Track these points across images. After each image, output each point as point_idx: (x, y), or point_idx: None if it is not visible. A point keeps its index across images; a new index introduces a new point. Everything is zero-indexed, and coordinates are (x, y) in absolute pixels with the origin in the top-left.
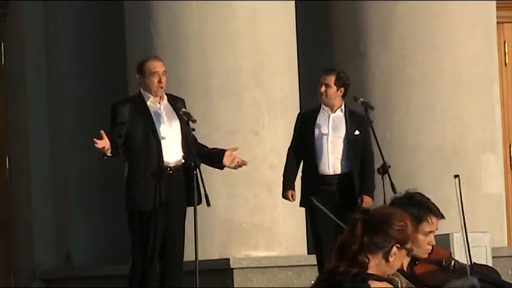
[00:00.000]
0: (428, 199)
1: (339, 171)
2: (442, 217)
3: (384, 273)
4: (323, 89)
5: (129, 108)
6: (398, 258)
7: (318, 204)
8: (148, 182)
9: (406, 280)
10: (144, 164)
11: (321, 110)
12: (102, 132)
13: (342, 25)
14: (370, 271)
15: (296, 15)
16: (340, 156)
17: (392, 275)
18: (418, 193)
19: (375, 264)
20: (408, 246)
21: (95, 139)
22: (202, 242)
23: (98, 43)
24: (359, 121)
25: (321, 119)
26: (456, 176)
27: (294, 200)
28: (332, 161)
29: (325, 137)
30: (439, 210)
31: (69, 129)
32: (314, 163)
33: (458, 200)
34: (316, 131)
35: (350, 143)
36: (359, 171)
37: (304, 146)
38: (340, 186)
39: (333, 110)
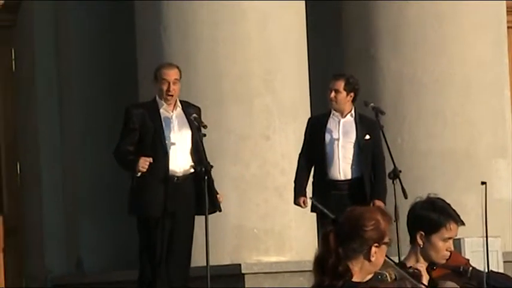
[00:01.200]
0: (449, 205)
1: (349, 176)
2: (462, 223)
3: (370, 272)
4: (332, 94)
5: (141, 113)
6: (381, 255)
7: (318, 204)
8: (153, 189)
9: (398, 269)
10: (151, 171)
11: (331, 115)
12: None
13: (353, 29)
14: (355, 276)
15: (306, 20)
16: (350, 161)
17: (380, 269)
18: (439, 198)
19: (358, 269)
20: (386, 240)
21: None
22: (214, 248)
23: (108, 48)
24: (369, 125)
25: (331, 124)
26: (483, 183)
27: (305, 206)
28: (343, 166)
29: (335, 142)
30: (459, 216)
31: (80, 134)
32: (324, 168)
33: (482, 207)
34: (327, 136)
35: (360, 147)
36: (370, 175)
37: (314, 151)
38: (350, 192)
39: (343, 115)
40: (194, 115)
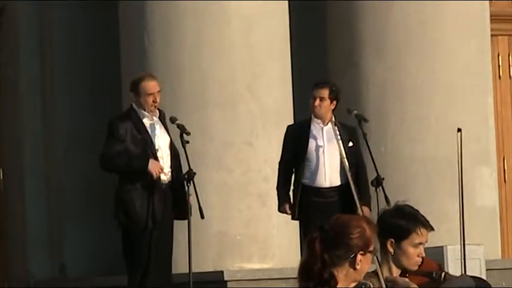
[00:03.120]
0: (417, 211)
1: (335, 184)
2: (432, 229)
3: (354, 280)
4: (317, 102)
5: (127, 126)
6: (366, 263)
7: None
8: (142, 199)
9: (381, 279)
10: (143, 180)
11: (312, 122)
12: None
13: (337, 35)
14: (340, 283)
15: (290, 25)
16: (336, 169)
17: (364, 279)
18: (407, 205)
19: (343, 276)
20: (371, 248)
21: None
22: (196, 254)
23: (92, 53)
24: (350, 132)
25: (314, 131)
26: (459, 130)
27: (290, 213)
28: (329, 174)
29: (320, 149)
30: (428, 222)
31: (63, 140)
32: (309, 176)
33: (458, 156)
34: (311, 144)
35: (344, 155)
36: (355, 182)
37: (298, 159)
38: (336, 199)
39: (325, 123)
40: (178, 122)
